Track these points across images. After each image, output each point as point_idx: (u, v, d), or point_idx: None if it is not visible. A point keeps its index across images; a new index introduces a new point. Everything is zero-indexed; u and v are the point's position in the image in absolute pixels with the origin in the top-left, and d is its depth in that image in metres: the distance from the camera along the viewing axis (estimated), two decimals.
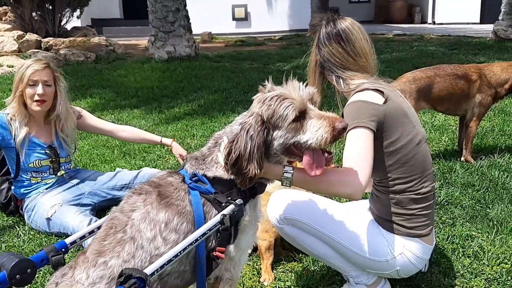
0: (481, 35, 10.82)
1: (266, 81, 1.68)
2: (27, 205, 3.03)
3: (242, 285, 2.36)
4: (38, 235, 2.92)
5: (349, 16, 2.14)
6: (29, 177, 3.05)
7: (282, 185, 1.72)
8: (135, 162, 4.09)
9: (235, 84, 7.00)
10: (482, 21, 17.14)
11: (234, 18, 16.74)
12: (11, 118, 2.97)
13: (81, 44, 10.40)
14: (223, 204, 1.61)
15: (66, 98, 3.09)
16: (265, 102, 1.60)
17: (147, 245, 1.52)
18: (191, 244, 1.51)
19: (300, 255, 2.59)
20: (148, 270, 1.38)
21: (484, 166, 3.71)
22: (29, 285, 1.64)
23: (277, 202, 2.14)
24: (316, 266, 2.49)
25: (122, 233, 1.54)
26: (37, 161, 3.02)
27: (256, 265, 2.54)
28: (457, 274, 2.37)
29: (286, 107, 1.55)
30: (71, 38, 10.58)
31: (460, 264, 2.45)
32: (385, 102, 1.92)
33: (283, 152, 1.65)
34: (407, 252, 2.02)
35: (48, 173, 3.08)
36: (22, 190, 3.06)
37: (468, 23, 16.87)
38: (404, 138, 1.96)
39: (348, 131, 1.84)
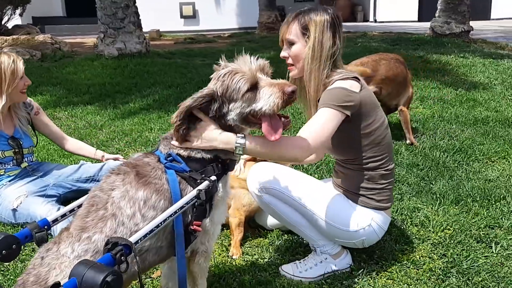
0: (420, 31, 11.47)
1: (220, 60, 1.81)
2: None
3: (212, 260, 2.49)
4: (3, 227, 2.91)
5: None
6: None
7: (235, 153, 1.78)
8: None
9: (189, 80, 7.07)
10: (420, 19, 18.09)
11: (182, 16, 16.68)
12: None
13: (25, 42, 10.03)
14: (198, 181, 1.73)
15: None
16: (219, 79, 1.74)
17: (127, 222, 1.62)
18: (170, 216, 1.61)
19: (266, 231, 2.77)
20: (132, 239, 1.47)
21: (426, 148, 4.06)
22: (14, 260, 1.68)
23: (257, 173, 2.29)
24: (280, 240, 2.67)
25: (103, 210, 1.62)
26: (0, 152, 3.00)
27: (224, 242, 2.69)
28: (407, 240, 2.63)
29: (238, 81, 1.69)
30: (14, 36, 10.18)
31: (409, 232, 2.71)
32: (360, 90, 2.13)
33: (242, 122, 1.78)
34: (374, 223, 2.26)
35: (11, 164, 3.07)
36: None
37: (407, 21, 17.75)
38: (377, 121, 2.20)
39: (320, 108, 2.03)
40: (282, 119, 1.79)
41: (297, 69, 2.24)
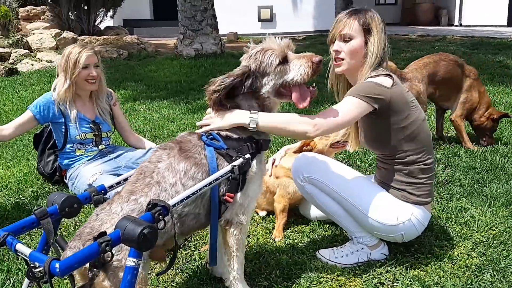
0: (505, 36, 10.87)
1: (248, 43, 2.05)
2: (71, 174, 3.46)
3: (255, 240, 2.71)
4: None
5: None
6: (74, 149, 3.48)
7: (249, 126, 1.96)
8: None
9: None
10: (510, 24, 17.02)
11: (259, 19, 17.10)
12: (59, 102, 3.40)
13: (114, 42, 10.95)
14: (234, 158, 1.96)
15: (104, 80, 3.56)
16: (251, 57, 1.97)
17: (169, 189, 1.88)
18: (205, 186, 1.86)
19: (308, 219, 2.94)
20: (170, 202, 1.72)
21: (486, 152, 3.97)
22: (74, 217, 1.98)
23: (301, 163, 2.46)
24: (321, 228, 2.82)
25: (149, 178, 1.90)
26: (82, 134, 3.45)
27: (269, 226, 2.89)
28: (448, 237, 2.66)
29: (270, 56, 1.92)
30: (105, 37, 11.16)
31: (452, 230, 2.74)
32: (392, 86, 2.23)
33: (275, 94, 2.00)
34: (414, 218, 2.34)
35: (91, 145, 3.51)
36: (66, 161, 3.50)
37: (495, 26, 16.77)
38: (412, 115, 2.28)
39: (345, 96, 2.17)
40: (310, 88, 1.99)
41: (346, 64, 2.30)
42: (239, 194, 2.01)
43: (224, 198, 1.98)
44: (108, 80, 7.54)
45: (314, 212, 2.88)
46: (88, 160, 3.48)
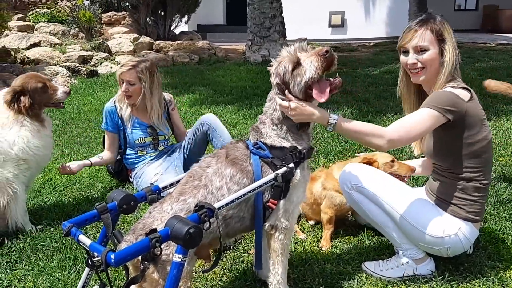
0: None
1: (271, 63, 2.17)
2: (136, 173, 3.73)
3: (303, 248, 2.78)
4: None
5: (453, 25, 2.41)
6: (136, 151, 3.77)
7: (327, 128, 2.09)
8: None
9: None
10: None
11: (330, 25, 17.04)
12: (120, 109, 3.71)
13: (186, 47, 11.47)
14: (278, 166, 2.06)
15: (152, 94, 3.63)
16: (273, 73, 2.10)
17: (216, 192, 2.02)
18: (250, 191, 1.97)
19: (357, 231, 2.95)
20: (216, 205, 1.86)
21: None
22: (131, 214, 2.17)
23: (350, 171, 2.49)
24: (370, 240, 2.83)
25: (198, 181, 2.05)
26: (141, 138, 3.72)
27: (317, 234, 2.94)
28: (501, 258, 2.56)
29: (283, 65, 2.04)
30: (179, 42, 11.71)
31: (506, 251, 2.63)
32: (469, 100, 2.24)
33: (305, 98, 2.07)
34: (460, 233, 2.31)
35: (150, 148, 3.77)
36: (131, 161, 3.79)
37: None
38: (481, 133, 2.28)
39: (421, 107, 2.21)
40: (333, 79, 2.05)
41: (427, 74, 2.33)
42: (282, 201, 2.10)
43: (267, 204, 2.08)
44: (178, 83, 8.02)
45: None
46: (151, 160, 3.74)
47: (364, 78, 7.99)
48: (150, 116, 3.70)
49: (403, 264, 2.46)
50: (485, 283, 2.35)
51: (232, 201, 1.93)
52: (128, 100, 3.65)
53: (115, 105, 3.72)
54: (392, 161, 2.75)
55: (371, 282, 2.41)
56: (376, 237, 2.86)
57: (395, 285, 2.39)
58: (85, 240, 1.75)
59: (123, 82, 3.59)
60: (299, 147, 2.13)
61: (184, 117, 5.94)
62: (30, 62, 9.16)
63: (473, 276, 2.40)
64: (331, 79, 2.07)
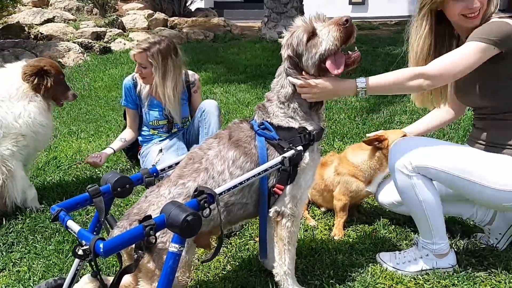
0: None
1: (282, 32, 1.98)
2: (143, 151, 3.59)
3: (313, 236, 2.60)
4: None
5: None
6: (149, 129, 3.62)
7: (358, 96, 1.95)
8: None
9: None
10: None
11: (350, 2, 16.53)
12: (138, 83, 3.52)
13: (201, 24, 11.21)
14: (285, 149, 1.89)
15: (164, 81, 3.35)
16: (285, 45, 1.92)
17: (217, 176, 1.85)
18: (253, 176, 1.80)
19: (372, 218, 2.76)
20: (217, 190, 1.69)
21: None
22: (126, 197, 2.02)
23: (407, 150, 2.11)
24: (386, 230, 2.64)
25: (198, 163, 1.88)
26: (155, 121, 3.55)
27: (329, 222, 2.76)
28: None
29: (297, 35, 1.86)
30: (193, 18, 11.46)
31: None
32: None
33: (320, 72, 1.89)
34: None
35: (163, 130, 3.60)
36: (141, 138, 3.65)
37: None
38: None
39: (467, 41, 1.99)
40: (350, 53, 1.87)
41: (480, 16, 2.06)
42: (289, 186, 1.93)
43: (273, 190, 1.91)
44: (191, 61, 7.82)
45: (385, 197, 2.59)
46: (160, 141, 3.58)
47: (384, 57, 7.68)
48: (164, 104, 3.48)
49: (421, 257, 2.26)
50: (511, 280, 2.15)
51: (235, 186, 1.77)
52: (143, 81, 3.47)
53: (133, 81, 3.54)
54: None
55: (386, 276, 2.23)
56: (393, 226, 2.67)
57: (412, 279, 2.21)
58: (73, 226, 1.60)
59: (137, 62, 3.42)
60: (309, 128, 1.95)
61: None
62: (44, 38, 9.05)
63: (498, 272, 2.20)
64: (350, 52, 1.88)
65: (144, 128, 3.63)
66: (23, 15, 10.22)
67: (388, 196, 2.54)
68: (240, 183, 1.78)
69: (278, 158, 1.88)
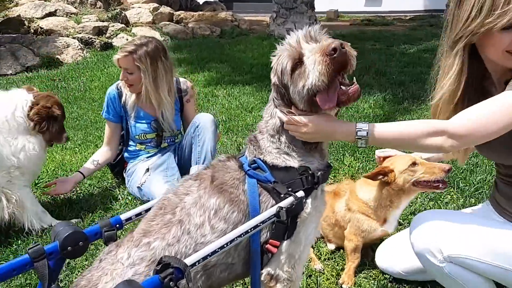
0: None
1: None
2: (129, 169, 3.20)
3: (317, 284, 2.19)
4: (134, 201, 3.06)
5: None
6: (135, 144, 3.22)
7: (357, 146, 1.54)
8: (235, 139, 4.09)
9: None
10: None
11: None
12: (123, 92, 3.12)
13: (208, 18, 10.79)
14: (282, 196, 1.49)
15: (156, 87, 3.00)
16: (273, 70, 1.55)
17: (194, 231, 1.45)
18: (240, 236, 1.40)
19: None
20: (188, 260, 1.29)
21: None
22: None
23: (429, 231, 1.71)
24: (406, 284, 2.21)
25: (171, 214, 1.49)
26: (142, 134, 3.15)
27: (338, 265, 2.35)
28: None
29: (282, 62, 1.49)
30: (200, 12, 11.04)
31: None
32: None
33: (311, 108, 1.51)
34: None
35: (151, 145, 3.21)
36: (127, 154, 3.26)
37: None
38: None
39: (507, 89, 1.54)
40: (346, 88, 1.44)
41: None
42: (286, 242, 1.53)
43: (266, 247, 1.50)
44: (195, 59, 7.41)
45: (389, 264, 2.19)
46: (147, 157, 3.19)
47: (399, 57, 7.19)
48: (159, 112, 3.10)
49: None
50: None
51: (213, 252, 1.36)
52: (130, 89, 3.07)
53: (118, 90, 3.15)
54: (414, 164, 2.09)
55: None
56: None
57: None
58: None
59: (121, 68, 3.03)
60: (312, 167, 1.55)
61: (197, 99, 5.36)
62: (43, 33, 8.70)
63: None
64: (343, 87, 1.45)
65: (130, 142, 3.24)
66: (24, 8, 9.86)
67: (392, 262, 2.16)
68: (222, 247, 1.37)
69: (273, 209, 1.47)
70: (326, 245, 2.52)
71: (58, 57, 7.77)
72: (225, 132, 4.30)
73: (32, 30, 8.77)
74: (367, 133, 1.52)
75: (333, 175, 3.30)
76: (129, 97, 3.11)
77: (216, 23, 10.54)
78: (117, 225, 1.61)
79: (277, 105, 1.57)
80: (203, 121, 3.01)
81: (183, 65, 7.04)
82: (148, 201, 2.87)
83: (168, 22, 10.21)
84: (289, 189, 1.51)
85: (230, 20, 10.93)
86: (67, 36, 8.37)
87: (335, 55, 1.35)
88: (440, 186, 2.07)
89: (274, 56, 1.55)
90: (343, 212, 2.31)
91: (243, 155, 1.66)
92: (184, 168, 3.08)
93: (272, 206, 1.51)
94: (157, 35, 9.27)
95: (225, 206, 1.49)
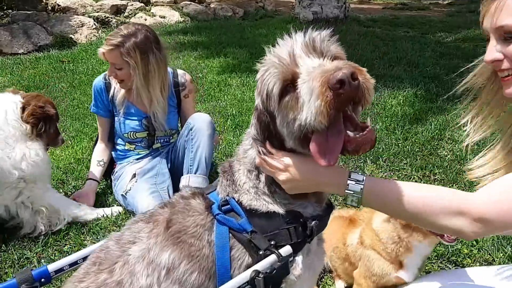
0: None
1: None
2: (117, 171, 2.83)
3: None
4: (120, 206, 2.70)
5: None
6: (124, 143, 2.84)
7: (347, 203, 1.15)
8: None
9: (381, 55, 6.08)
10: None
11: None
12: (113, 85, 2.73)
13: None
14: (261, 252, 1.10)
15: (148, 83, 2.60)
16: (257, 88, 1.15)
17: None
18: None
19: None
20: None
21: None
22: None
23: None
24: None
25: (107, 273, 1.12)
26: (132, 133, 2.76)
27: None
28: None
29: (268, 82, 1.08)
30: None
31: None
32: None
33: (304, 148, 1.09)
34: None
35: (142, 145, 2.82)
36: (115, 154, 2.90)
37: None
38: None
39: None
40: (356, 134, 1.02)
41: None
42: None
43: None
44: (212, 43, 6.96)
45: None
46: (136, 159, 2.80)
47: (434, 47, 6.56)
48: (150, 110, 2.71)
49: None
50: None
51: None
52: (120, 85, 2.68)
53: (105, 81, 2.76)
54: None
55: None
56: None
57: None
58: None
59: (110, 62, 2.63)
60: (304, 214, 1.17)
61: (208, 89, 4.95)
62: (60, 10, 8.41)
63: None
64: (359, 127, 1.04)
65: (119, 141, 2.86)
66: None
67: None
68: None
69: (246, 274, 1.07)
70: (334, 282, 2.09)
71: (72, 37, 7.45)
72: (233, 128, 3.87)
73: (49, 7, 8.50)
74: (361, 189, 1.10)
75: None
76: (118, 91, 2.72)
77: (239, 4, 10.05)
78: (42, 279, 1.22)
79: (254, 137, 1.16)
80: (199, 123, 2.59)
81: (199, 49, 6.61)
82: (133, 212, 2.53)
83: (189, 2, 9.75)
84: (272, 243, 1.12)
85: (255, 1, 10.40)
86: (83, 15, 8.04)
87: (340, 91, 0.92)
88: (445, 237, 1.61)
89: (261, 67, 1.12)
90: (355, 246, 1.88)
91: (214, 190, 1.25)
92: (177, 174, 2.68)
93: (248, 266, 1.12)
94: (176, 15, 8.86)
95: (181, 264, 1.11)
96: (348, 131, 1.02)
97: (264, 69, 1.11)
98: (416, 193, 1.11)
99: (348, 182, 1.10)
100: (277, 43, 1.11)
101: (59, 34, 7.36)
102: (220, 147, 3.43)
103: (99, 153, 2.88)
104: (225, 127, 3.92)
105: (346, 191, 1.11)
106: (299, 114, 1.00)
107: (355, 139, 1.01)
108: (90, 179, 2.82)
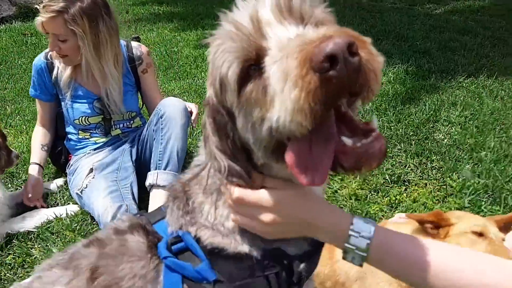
0: None
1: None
2: (71, 165, 2.46)
3: None
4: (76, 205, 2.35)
5: None
6: (77, 131, 2.45)
7: (346, 259, 0.80)
8: None
9: (368, 27, 5.73)
10: None
11: None
12: (56, 64, 2.33)
13: None
14: None
15: (100, 56, 2.22)
16: (208, 74, 0.79)
17: None
18: None
19: None
20: None
21: None
22: None
23: None
24: None
25: None
26: (83, 118, 2.37)
27: None
28: None
29: (222, 62, 0.72)
30: None
31: None
32: None
33: (274, 159, 0.73)
34: None
35: (98, 132, 2.44)
36: (68, 144, 2.52)
37: None
38: None
39: None
40: (356, 142, 0.67)
41: None
42: None
43: None
44: (189, 14, 6.51)
45: None
46: (94, 149, 2.43)
47: (423, 19, 6.21)
48: (103, 88, 2.33)
49: None
50: None
51: None
52: (63, 61, 2.29)
53: (47, 61, 2.36)
54: (480, 234, 1.36)
55: None
56: None
57: None
58: None
59: (48, 34, 2.21)
60: (288, 252, 0.85)
61: (184, 64, 4.55)
62: None
63: None
64: (359, 129, 0.69)
65: (71, 129, 2.47)
66: None
67: None
68: None
69: None
70: None
71: (38, 7, 6.89)
72: None
73: None
74: (367, 244, 0.76)
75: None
76: (63, 71, 2.32)
77: None
78: None
79: (213, 144, 0.80)
80: (170, 110, 2.22)
81: (175, 20, 6.15)
82: (88, 214, 2.18)
83: None
84: None
85: None
86: None
87: (331, 73, 0.56)
88: None
89: (212, 41, 0.75)
90: (349, 266, 1.57)
91: (162, 218, 0.92)
92: (143, 169, 2.32)
93: None
94: None
95: None
96: (343, 137, 0.67)
97: (216, 44, 0.74)
98: (447, 261, 0.77)
99: (349, 232, 0.77)
100: (235, 4, 0.74)
101: (23, 4, 6.81)
102: (196, 131, 3.08)
103: (42, 137, 2.51)
104: (202, 108, 3.56)
105: (346, 244, 0.78)
106: (268, 111, 0.65)
107: (354, 150, 0.66)
108: (34, 163, 2.44)
